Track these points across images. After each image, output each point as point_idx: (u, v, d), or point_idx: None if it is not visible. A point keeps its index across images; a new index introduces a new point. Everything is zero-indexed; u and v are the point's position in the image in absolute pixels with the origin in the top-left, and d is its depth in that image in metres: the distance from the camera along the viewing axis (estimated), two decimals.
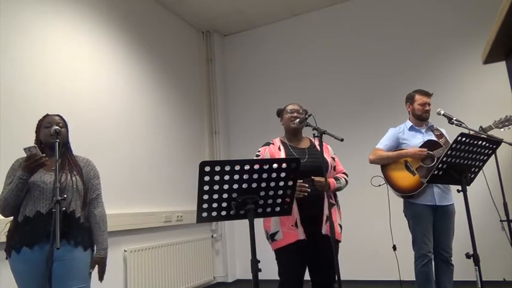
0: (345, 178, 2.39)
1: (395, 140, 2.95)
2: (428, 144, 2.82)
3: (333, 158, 2.41)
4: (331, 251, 2.11)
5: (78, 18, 3.61)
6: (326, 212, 2.20)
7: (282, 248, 2.17)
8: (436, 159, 2.75)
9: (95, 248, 2.08)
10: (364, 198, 4.18)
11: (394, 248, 2.95)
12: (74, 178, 2.05)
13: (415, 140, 2.88)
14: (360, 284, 4.19)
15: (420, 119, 2.93)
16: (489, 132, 2.71)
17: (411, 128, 2.95)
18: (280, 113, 2.48)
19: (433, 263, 2.73)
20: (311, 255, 2.21)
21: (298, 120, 2.35)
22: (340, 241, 2.28)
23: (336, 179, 2.34)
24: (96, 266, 2.08)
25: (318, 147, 2.36)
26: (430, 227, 2.76)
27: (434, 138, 2.86)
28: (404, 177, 2.83)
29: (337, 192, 2.39)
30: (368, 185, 3.10)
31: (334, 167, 2.39)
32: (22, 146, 1.92)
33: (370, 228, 4.30)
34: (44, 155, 1.93)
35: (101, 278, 2.07)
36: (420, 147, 2.82)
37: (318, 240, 2.17)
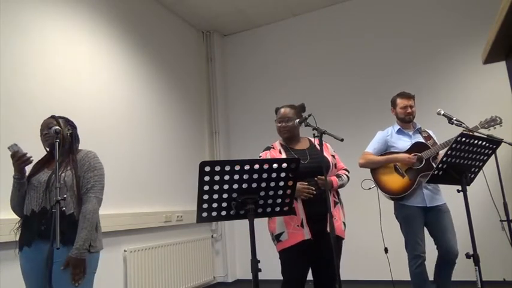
0: (346, 174, 2.40)
1: (384, 143, 2.98)
2: (415, 146, 2.86)
3: (333, 156, 2.42)
4: (336, 249, 2.13)
5: (78, 18, 3.61)
6: (330, 210, 2.21)
7: (287, 249, 2.17)
8: (424, 160, 2.79)
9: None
10: (361, 199, 4.17)
11: (386, 250, 2.96)
12: (63, 174, 1.96)
13: (402, 143, 2.92)
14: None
15: (404, 121, 2.97)
16: (488, 133, 2.71)
17: (399, 131, 2.99)
18: (276, 111, 2.47)
19: (425, 263, 2.73)
20: (316, 255, 2.21)
21: (297, 120, 2.34)
22: (343, 238, 2.28)
23: (338, 176, 2.34)
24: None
25: (318, 147, 2.37)
26: (422, 228, 2.78)
27: (422, 140, 2.90)
28: (394, 180, 2.86)
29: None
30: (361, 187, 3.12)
31: (335, 164, 2.39)
32: (22, 145, 1.93)
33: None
34: (27, 152, 1.93)
35: (73, 280, 1.85)
36: (408, 149, 2.86)
37: (323, 239, 2.18)
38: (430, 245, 2.79)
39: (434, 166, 2.81)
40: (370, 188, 3.02)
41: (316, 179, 2.20)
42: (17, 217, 2.06)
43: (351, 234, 4.24)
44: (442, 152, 2.83)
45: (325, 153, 2.32)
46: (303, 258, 2.19)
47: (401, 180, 2.84)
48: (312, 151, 2.35)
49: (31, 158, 1.95)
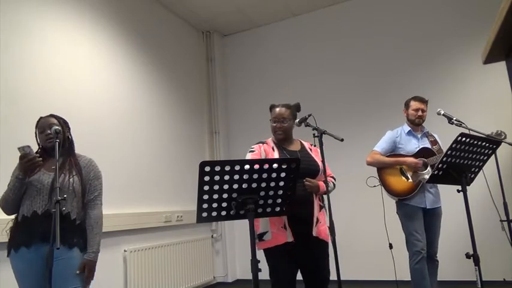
0: (333, 182, 2.37)
1: (392, 144, 3.07)
2: (423, 152, 2.96)
3: (322, 162, 2.40)
4: (322, 252, 2.12)
5: (78, 18, 3.61)
6: (316, 213, 2.20)
7: (271, 249, 2.14)
8: (429, 166, 2.90)
9: (87, 250, 2.03)
10: (362, 197, 4.18)
11: (391, 246, 3.02)
12: (71, 179, 2.02)
13: (410, 145, 3.03)
14: (356, 284, 4.19)
15: (414, 123, 3.07)
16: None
17: (409, 133, 3.09)
18: (271, 109, 2.42)
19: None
20: (302, 257, 2.19)
21: (298, 120, 2.34)
22: (328, 242, 2.26)
23: (324, 182, 2.31)
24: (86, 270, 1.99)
25: (309, 150, 2.37)
26: (422, 226, 2.89)
27: (428, 144, 3.01)
28: (399, 182, 2.97)
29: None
30: (365, 184, 3.14)
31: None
32: (22, 145, 1.92)
33: (367, 227, 4.30)
34: (38, 155, 1.93)
35: (87, 282, 1.98)
36: (415, 153, 2.97)
37: (308, 242, 2.17)
38: None
39: None
40: (374, 186, 3.07)
41: (304, 180, 2.17)
42: (9, 217, 2.04)
43: (354, 232, 4.30)
44: None
45: (315, 158, 2.32)
46: (288, 260, 2.15)
47: (405, 183, 2.94)
48: (303, 154, 2.34)
49: (40, 162, 1.94)
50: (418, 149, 2.98)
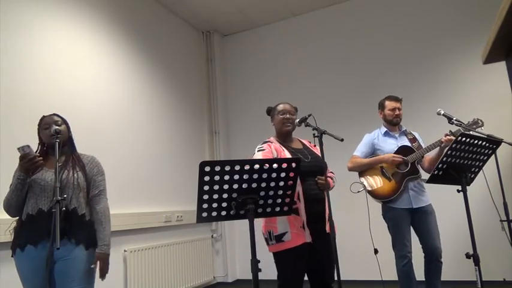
0: (334, 177, 2.41)
1: (371, 146, 3.05)
2: (402, 150, 2.92)
3: None
4: (331, 248, 2.11)
5: (78, 18, 3.61)
6: (328, 211, 2.21)
7: (289, 250, 2.10)
8: (409, 164, 2.86)
9: (98, 244, 2.05)
10: (363, 196, 4.17)
11: (376, 251, 2.92)
12: (75, 175, 2.04)
13: (388, 145, 2.98)
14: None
15: (391, 124, 3.03)
16: (488, 133, 2.72)
17: (385, 134, 3.05)
18: (270, 111, 2.44)
19: (413, 262, 2.80)
20: (313, 256, 2.18)
21: (298, 120, 2.34)
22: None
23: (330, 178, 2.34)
24: (98, 263, 2.03)
25: (311, 148, 2.39)
26: (409, 229, 2.85)
27: (407, 143, 2.96)
28: (381, 183, 2.93)
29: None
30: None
31: None
32: (21, 145, 1.92)
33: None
34: (38, 154, 1.93)
35: (102, 275, 2.02)
36: (394, 153, 2.91)
37: (321, 239, 2.17)
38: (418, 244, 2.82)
39: (419, 169, 2.91)
40: (358, 192, 3.02)
41: (316, 179, 2.18)
42: (11, 217, 2.04)
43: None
44: (427, 155, 2.91)
45: (318, 154, 2.33)
46: (303, 261, 2.15)
47: (388, 184, 2.90)
48: (309, 151, 2.34)
49: (41, 161, 1.95)
50: (396, 148, 2.93)
